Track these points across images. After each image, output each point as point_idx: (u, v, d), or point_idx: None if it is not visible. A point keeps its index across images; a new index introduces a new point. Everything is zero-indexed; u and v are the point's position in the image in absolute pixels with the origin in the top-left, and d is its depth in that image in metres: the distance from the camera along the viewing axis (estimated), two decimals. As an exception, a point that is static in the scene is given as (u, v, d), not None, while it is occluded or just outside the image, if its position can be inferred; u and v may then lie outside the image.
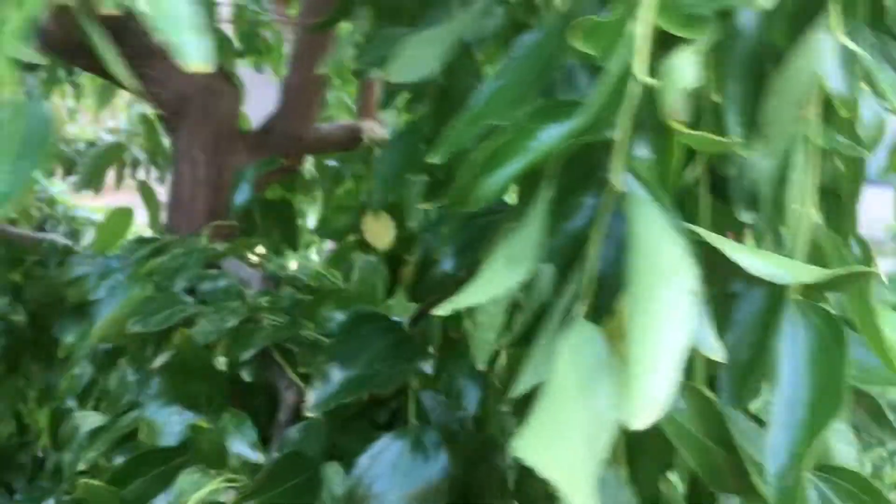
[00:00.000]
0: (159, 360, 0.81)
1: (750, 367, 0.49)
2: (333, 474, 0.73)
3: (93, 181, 1.44)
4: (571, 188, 0.42)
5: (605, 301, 0.43)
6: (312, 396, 0.69)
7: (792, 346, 0.42)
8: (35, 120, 0.38)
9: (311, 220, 1.58)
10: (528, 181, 0.49)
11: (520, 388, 0.42)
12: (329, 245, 1.75)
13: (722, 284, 0.44)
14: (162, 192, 1.69)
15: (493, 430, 0.75)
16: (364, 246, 1.18)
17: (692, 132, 0.38)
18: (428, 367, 0.83)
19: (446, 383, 0.75)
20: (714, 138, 0.39)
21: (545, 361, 0.42)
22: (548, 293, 0.47)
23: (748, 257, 0.40)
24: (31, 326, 1.11)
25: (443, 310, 0.42)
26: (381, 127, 1.31)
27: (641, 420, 0.32)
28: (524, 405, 0.52)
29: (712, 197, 0.49)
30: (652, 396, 0.32)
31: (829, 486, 0.41)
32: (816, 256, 0.46)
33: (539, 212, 0.40)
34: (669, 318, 0.33)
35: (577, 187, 0.42)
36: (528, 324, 0.43)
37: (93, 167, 1.33)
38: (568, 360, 0.37)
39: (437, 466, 0.67)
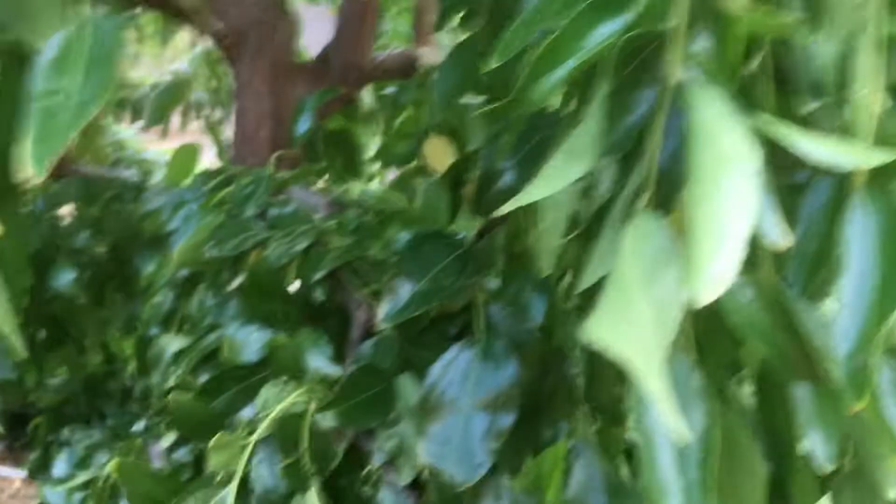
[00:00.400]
0: (235, 283, 0.85)
1: (818, 259, 0.49)
2: (407, 385, 0.76)
3: (160, 118, 1.48)
4: (629, 83, 0.42)
5: (666, 195, 0.43)
6: (383, 310, 0.71)
7: (860, 232, 0.42)
8: (103, 34, 0.39)
9: (371, 149, 1.60)
10: (585, 81, 0.49)
11: (586, 281, 0.43)
12: (390, 175, 1.76)
13: (787, 175, 0.44)
14: (227, 132, 1.72)
15: (560, 340, 0.76)
16: (425, 171, 1.19)
17: (753, 14, 0.38)
18: (493, 283, 0.85)
19: (512, 296, 0.77)
20: (775, 19, 0.39)
21: (610, 253, 0.42)
22: (609, 189, 0.47)
23: (813, 145, 0.39)
24: (111, 260, 1.16)
25: (509, 206, 0.43)
26: (437, 53, 1.30)
27: (706, 297, 0.32)
28: (590, 300, 0.53)
29: (775, 87, 0.48)
30: (716, 274, 0.33)
31: (900, 368, 0.42)
32: (882, 143, 0.45)
33: (598, 107, 0.41)
34: (732, 199, 0.34)
35: (635, 82, 0.42)
36: (591, 221, 0.44)
37: (159, 105, 1.37)
38: (633, 248, 0.38)
39: (507, 374, 0.69)
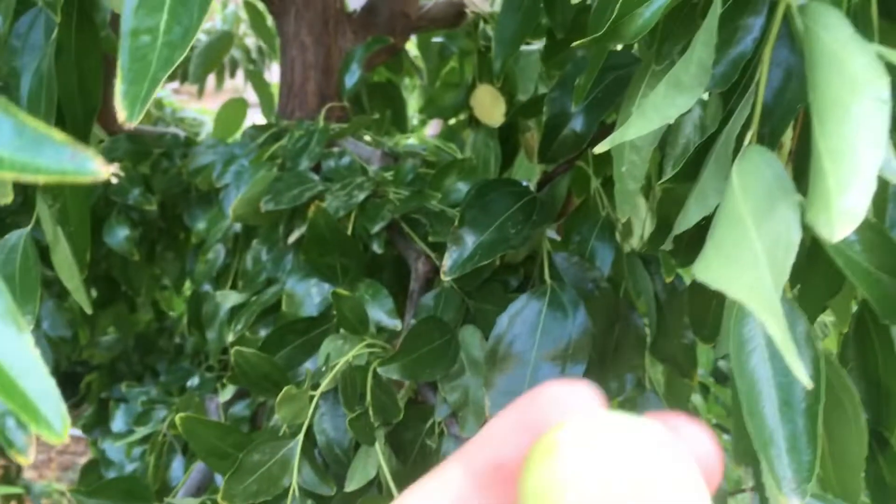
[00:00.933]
0: (294, 236, 0.84)
1: (922, 198, 0.46)
2: (470, 337, 0.74)
3: (204, 76, 1.46)
4: (736, 9, 0.40)
5: (774, 130, 0.41)
6: (448, 261, 0.69)
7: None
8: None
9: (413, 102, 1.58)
10: (673, 17, 0.47)
11: (686, 221, 0.41)
12: (431, 129, 1.74)
13: None
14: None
15: (628, 290, 0.75)
16: (474, 122, 1.17)
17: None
18: (555, 234, 0.83)
19: (578, 245, 0.75)
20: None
21: (714, 191, 0.41)
22: (697, 129, 0.45)
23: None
24: (162, 217, 1.16)
25: (603, 146, 0.41)
26: (484, 1, 1.27)
27: (840, 231, 0.30)
28: (686, 243, 0.52)
29: (882, 18, 0.45)
30: (850, 207, 0.31)
31: None
32: None
33: (704, 36, 0.39)
34: (863, 126, 0.32)
35: (742, 7, 0.40)
36: (692, 159, 0.42)
37: (203, 62, 1.36)
38: (744, 184, 0.36)
39: (576, 323, 0.67)
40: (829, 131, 0.32)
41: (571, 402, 0.23)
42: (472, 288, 0.77)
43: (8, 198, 0.48)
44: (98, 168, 0.23)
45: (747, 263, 0.34)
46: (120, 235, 1.07)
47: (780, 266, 0.34)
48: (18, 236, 0.67)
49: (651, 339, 0.74)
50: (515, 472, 0.23)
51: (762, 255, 0.34)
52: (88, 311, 0.66)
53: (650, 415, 0.23)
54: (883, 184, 0.48)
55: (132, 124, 0.33)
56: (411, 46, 1.48)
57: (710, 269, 0.34)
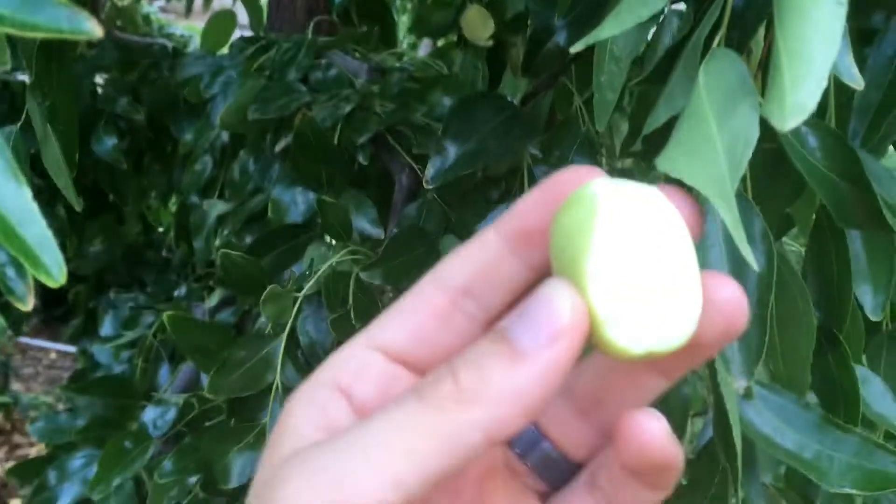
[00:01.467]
0: (280, 145, 0.86)
1: (882, 110, 0.49)
2: (451, 245, 0.77)
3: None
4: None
5: (742, 35, 0.43)
6: (430, 170, 0.71)
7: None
8: None
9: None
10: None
11: (656, 120, 0.43)
12: (423, 50, 1.73)
13: (863, 17, 0.43)
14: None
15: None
16: (463, 44, 1.17)
17: None
18: (535, 150, 0.85)
19: (558, 160, 0.77)
20: None
21: (682, 92, 0.42)
22: (682, 28, 0.47)
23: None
24: (150, 128, 1.16)
25: (577, 46, 0.42)
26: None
27: (790, 122, 0.32)
28: (656, 143, 0.54)
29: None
30: (801, 102, 0.33)
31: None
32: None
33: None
34: (818, 26, 0.34)
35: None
36: (658, 64, 0.44)
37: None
38: (709, 83, 0.38)
39: (552, 233, 0.69)
40: (787, 32, 0.34)
41: (589, 176, 0.26)
42: (454, 199, 0.79)
43: (6, 64, 0.49)
44: (93, 28, 0.25)
45: (707, 157, 0.36)
46: (108, 144, 1.07)
47: (737, 161, 0.36)
48: (8, 132, 0.68)
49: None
50: (544, 235, 0.26)
51: (721, 150, 0.36)
52: (77, 208, 0.67)
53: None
54: (848, 96, 0.50)
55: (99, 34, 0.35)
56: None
57: (672, 161, 0.37)
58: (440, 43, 1.34)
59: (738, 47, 0.41)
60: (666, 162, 0.37)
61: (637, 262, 0.24)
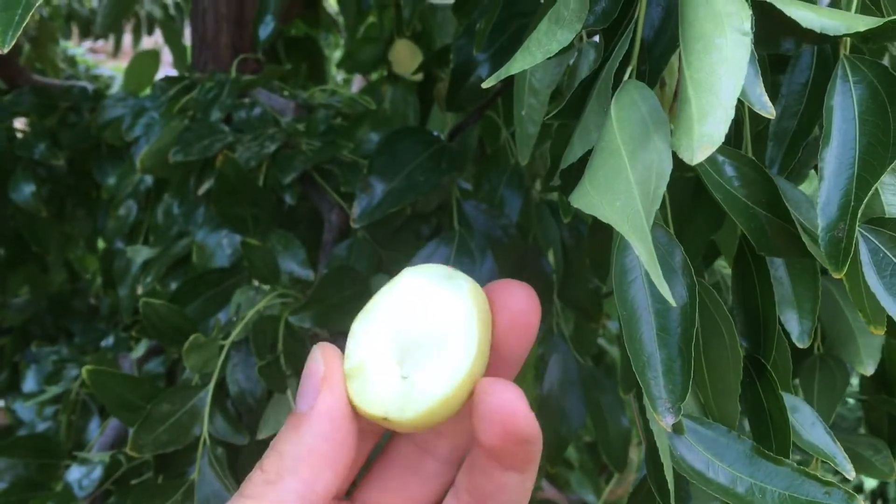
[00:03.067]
0: (204, 187, 0.83)
1: (797, 137, 0.49)
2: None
3: (111, 28, 1.41)
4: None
5: (652, 69, 0.43)
6: (357, 209, 0.70)
7: (843, 102, 0.42)
8: None
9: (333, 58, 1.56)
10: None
11: (571, 156, 0.43)
12: (355, 85, 1.73)
13: (773, 44, 0.43)
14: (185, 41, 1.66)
15: (536, 237, 0.77)
16: (393, 79, 1.16)
17: None
18: (467, 184, 0.84)
19: (487, 193, 0.76)
20: None
21: (595, 126, 0.42)
22: (595, 61, 0.46)
23: (800, 10, 0.39)
24: (71, 173, 1.13)
25: (489, 81, 0.42)
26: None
27: (699, 154, 0.32)
28: (574, 178, 0.53)
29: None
30: (709, 133, 0.32)
31: (880, 238, 0.42)
32: (866, 12, 0.45)
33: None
34: (724, 56, 0.33)
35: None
36: (573, 96, 0.43)
37: (109, 13, 1.30)
38: (620, 116, 0.37)
39: (484, 269, 0.68)
40: (693, 62, 0.34)
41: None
42: (384, 237, 0.78)
43: None
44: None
45: (620, 191, 0.35)
46: (26, 192, 1.03)
47: (651, 194, 0.36)
48: None
49: (558, 284, 0.76)
50: None
51: (634, 183, 0.35)
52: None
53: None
54: (764, 124, 0.50)
55: (3, 51, 0.33)
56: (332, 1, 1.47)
57: (586, 197, 0.36)
58: (373, 77, 1.33)
59: (649, 79, 0.41)
60: (579, 198, 0.36)
61: (401, 333, 0.26)
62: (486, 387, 0.26)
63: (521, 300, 0.28)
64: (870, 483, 2.38)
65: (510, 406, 0.26)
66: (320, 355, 0.26)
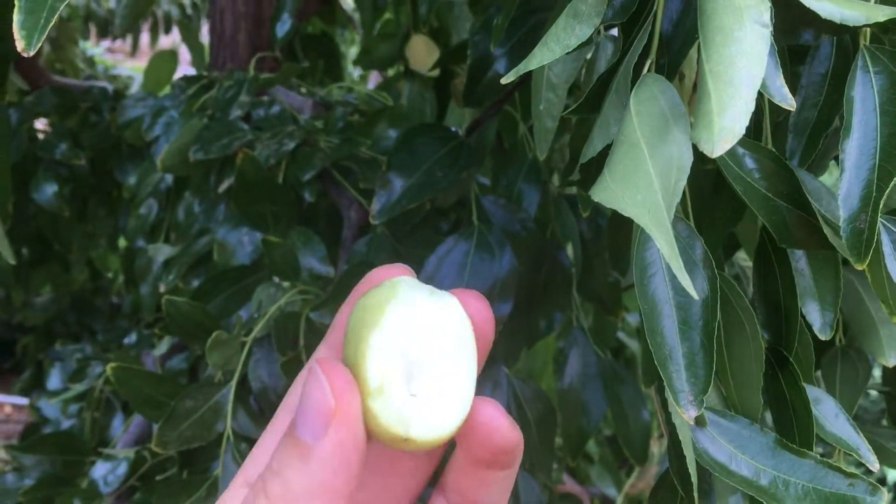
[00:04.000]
0: (224, 185, 0.84)
1: (817, 128, 0.49)
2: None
3: (129, 28, 1.42)
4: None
5: (672, 60, 0.43)
6: (376, 205, 0.70)
7: (864, 92, 0.41)
8: None
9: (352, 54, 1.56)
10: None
11: (590, 150, 0.43)
12: (372, 82, 1.73)
13: (792, 35, 0.43)
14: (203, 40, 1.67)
15: (555, 231, 0.77)
16: (410, 75, 1.17)
17: None
18: (485, 179, 0.84)
19: (506, 188, 0.77)
20: None
21: (615, 120, 0.42)
22: (614, 55, 0.46)
23: (820, 1, 0.39)
24: (92, 173, 1.14)
25: (508, 77, 0.42)
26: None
27: (720, 147, 0.32)
28: (593, 172, 0.53)
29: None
30: (729, 126, 0.32)
31: (901, 227, 0.42)
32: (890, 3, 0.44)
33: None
34: (744, 48, 0.33)
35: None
36: (591, 91, 0.43)
37: (128, 13, 1.31)
38: (640, 110, 0.37)
39: (503, 264, 0.69)
40: (713, 55, 0.34)
41: (398, 273, 0.30)
42: (403, 233, 0.78)
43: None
44: None
45: (641, 184, 0.35)
46: (48, 192, 1.05)
47: (672, 187, 0.36)
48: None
49: (577, 278, 0.76)
50: None
51: (655, 176, 0.36)
52: (11, 261, 0.65)
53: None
54: (784, 115, 0.50)
55: (29, 53, 0.33)
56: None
57: (606, 191, 0.36)
58: (389, 73, 1.34)
59: (668, 73, 0.41)
60: (599, 192, 0.36)
61: (419, 350, 0.25)
62: (479, 410, 0.27)
63: (481, 310, 0.29)
64: (893, 475, 2.36)
65: (495, 422, 0.27)
66: (325, 381, 0.24)
